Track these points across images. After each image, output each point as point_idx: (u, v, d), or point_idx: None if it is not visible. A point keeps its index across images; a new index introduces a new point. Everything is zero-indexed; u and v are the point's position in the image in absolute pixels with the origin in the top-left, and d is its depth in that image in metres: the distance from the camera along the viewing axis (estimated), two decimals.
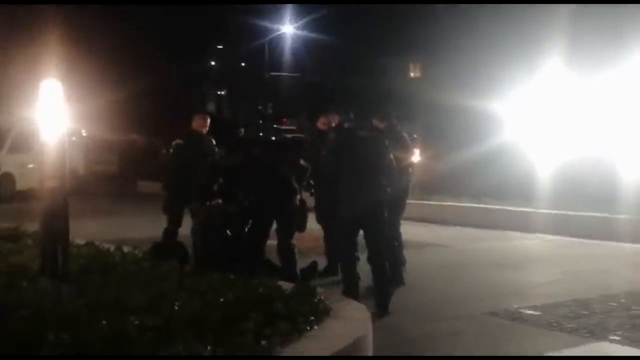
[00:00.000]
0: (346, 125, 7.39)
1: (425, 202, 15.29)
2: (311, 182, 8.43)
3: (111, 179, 24.85)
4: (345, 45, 35.99)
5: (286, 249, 7.48)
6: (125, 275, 6.05)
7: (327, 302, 5.47)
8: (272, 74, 43.72)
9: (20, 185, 18.08)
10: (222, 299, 5.16)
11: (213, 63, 44.47)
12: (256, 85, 42.02)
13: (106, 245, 7.85)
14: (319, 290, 5.94)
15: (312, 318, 5.00)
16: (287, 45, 41.75)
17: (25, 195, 17.45)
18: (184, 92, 35.41)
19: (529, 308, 7.05)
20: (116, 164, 26.51)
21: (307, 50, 40.60)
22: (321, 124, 8.71)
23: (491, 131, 17.11)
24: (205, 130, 8.32)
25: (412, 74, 38.13)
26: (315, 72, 40.71)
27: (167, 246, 7.40)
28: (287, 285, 6.04)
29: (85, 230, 8.45)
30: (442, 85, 22.01)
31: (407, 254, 8.79)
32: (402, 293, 7.67)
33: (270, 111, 42.37)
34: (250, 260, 7.18)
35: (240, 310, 4.93)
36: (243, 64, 44.69)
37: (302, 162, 7.76)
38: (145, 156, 27.61)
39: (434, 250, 11.03)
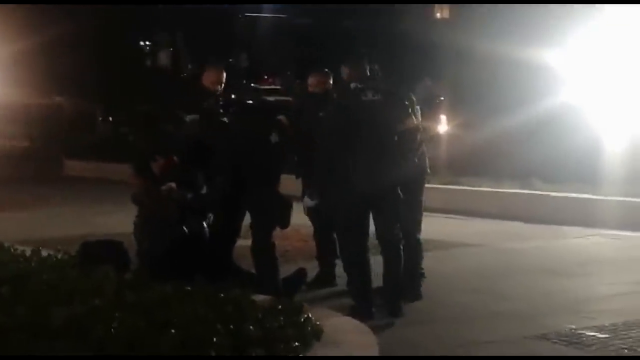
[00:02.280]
0: (352, 85, 7.53)
1: (453, 186, 15.32)
2: (297, 159, 8.46)
3: (27, 158, 24.87)
4: None
5: (263, 250, 7.45)
6: (44, 287, 6.06)
7: (318, 322, 5.50)
8: (248, 14, 43.64)
9: None
10: (174, 319, 5.16)
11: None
12: (225, 30, 41.91)
13: (21, 248, 7.89)
14: (307, 306, 5.97)
15: (297, 344, 5.01)
16: None
17: None
18: (124, 41, 35.40)
19: (592, 329, 7.02)
20: (34, 138, 26.51)
21: None
22: (313, 84, 8.70)
23: (542, 91, 17.11)
24: (219, 89, 8.28)
25: (437, 15, 38.00)
26: (306, 13, 40.64)
27: (100, 247, 7.39)
28: (263, 300, 6.08)
29: None
30: (477, 30, 21.98)
31: (428, 257, 8.86)
32: (421, 307, 7.65)
33: (245, 65, 42.26)
34: (215, 266, 7.18)
35: (199, 333, 4.94)
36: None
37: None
38: (75, 128, 27.61)
39: (463, 251, 11.02)
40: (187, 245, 7.18)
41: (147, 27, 40.49)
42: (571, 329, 7.03)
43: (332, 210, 7.57)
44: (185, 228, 7.28)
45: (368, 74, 7.74)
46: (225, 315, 5.37)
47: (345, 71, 7.92)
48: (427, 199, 8.68)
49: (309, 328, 5.36)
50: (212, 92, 8.17)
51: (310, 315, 5.58)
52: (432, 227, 12.71)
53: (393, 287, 7.47)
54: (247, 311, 5.55)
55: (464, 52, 22.09)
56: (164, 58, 44.39)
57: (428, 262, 9.85)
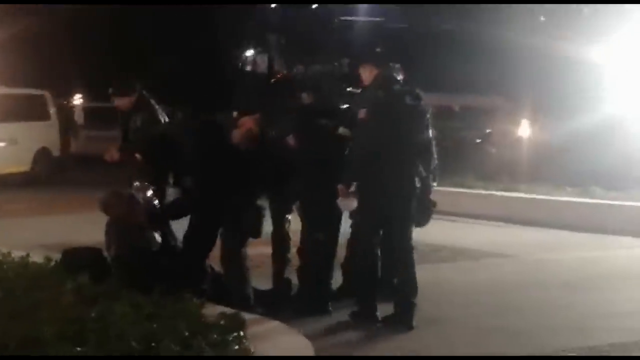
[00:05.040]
0: (395, 87, 7.48)
1: (509, 193, 14.94)
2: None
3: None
4: None
5: (232, 259, 7.28)
6: None
7: (254, 341, 5.31)
8: (343, 18, 43.53)
9: None
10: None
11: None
12: (322, 34, 41.95)
13: (19, 254, 7.88)
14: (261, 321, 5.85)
15: None
16: None
17: None
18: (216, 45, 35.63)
19: (584, 349, 6.81)
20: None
21: None
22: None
23: (608, 96, 16.56)
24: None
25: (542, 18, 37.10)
26: (402, 16, 40.29)
27: (80, 255, 7.33)
28: (214, 312, 5.95)
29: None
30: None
31: (451, 267, 8.84)
32: (429, 325, 7.43)
33: (345, 70, 42.14)
34: (188, 273, 7.08)
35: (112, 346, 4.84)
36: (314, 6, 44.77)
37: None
38: None
39: (489, 262, 10.72)
40: (156, 252, 7.08)
41: (241, 31, 40.77)
42: (563, 350, 6.81)
43: (360, 208, 7.48)
44: (156, 234, 7.19)
45: (397, 76, 7.71)
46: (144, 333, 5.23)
47: (370, 71, 7.74)
48: (482, 206, 8.48)
49: (234, 346, 5.19)
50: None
51: (241, 334, 5.40)
52: (473, 235, 12.58)
53: (407, 295, 7.36)
54: (178, 325, 5.41)
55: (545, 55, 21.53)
56: (260, 62, 44.66)
57: (449, 272, 9.65)
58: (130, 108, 8.96)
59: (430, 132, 7.62)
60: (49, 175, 19.79)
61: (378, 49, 8.60)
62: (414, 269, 7.49)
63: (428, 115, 7.60)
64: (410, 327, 7.27)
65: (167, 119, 8.98)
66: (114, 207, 7.19)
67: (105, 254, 7.29)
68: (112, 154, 8.68)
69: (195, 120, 8.13)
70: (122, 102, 8.99)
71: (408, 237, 7.52)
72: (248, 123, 7.46)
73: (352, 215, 7.84)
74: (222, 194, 7.30)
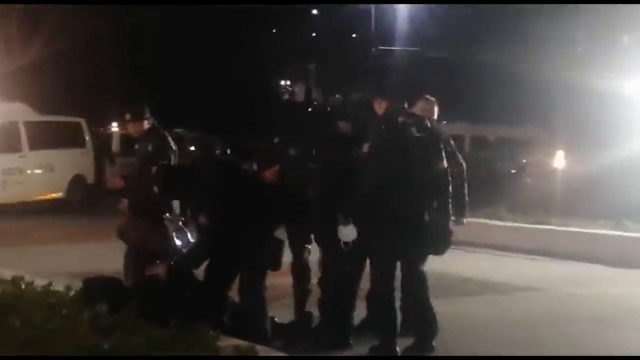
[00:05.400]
0: (400, 120, 7.39)
1: (540, 226, 14.77)
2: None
3: None
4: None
5: (251, 291, 7.25)
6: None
7: None
8: (382, 47, 43.55)
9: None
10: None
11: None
12: (360, 63, 41.99)
13: (41, 282, 7.87)
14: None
15: None
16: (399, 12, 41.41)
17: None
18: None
19: None
20: None
21: (429, 15, 40.19)
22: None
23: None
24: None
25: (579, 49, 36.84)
26: (440, 46, 40.22)
27: (100, 283, 7.31)
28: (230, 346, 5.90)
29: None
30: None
31: (481, 300, 8.91)
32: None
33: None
34: (208, 306, 7.04)
35: None
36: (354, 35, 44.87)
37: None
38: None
39: (517, 296, 10.57)
40: (174, 282, 7.05)
41: (279, 59, 40.92)
42: None
43: (373, 242, 7.34)
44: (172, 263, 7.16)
45: (405, 107, 7.61)
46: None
47: (380, 104, 7.70)
48: (512, 238, 8.35)
49: None
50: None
51: None
52: (502, 268, 12.43)
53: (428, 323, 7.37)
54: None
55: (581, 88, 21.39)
56: (298, 91, 44.79)
57: (476, 306, 9.51)
58: (143, 134, 9.03)
59: (445, 163, 7.44)
60: (83, 202, 19.92)
61: (386, 83, 8.54)
62: (428, 296, 7.46)
63: (441, 146, 7.48)
64: (431, 351, 7.29)
65: (176, 148, 9.06)
66: (129, 234, 7.18)
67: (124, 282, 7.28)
68: (116, 182, 8.79)
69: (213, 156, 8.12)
70: (138, 128, 9.08)
71: (421, 266, 7.47)
72: (268, 177, 7.49)
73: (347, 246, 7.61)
74: (239, 227, 7.26)
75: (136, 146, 9.30)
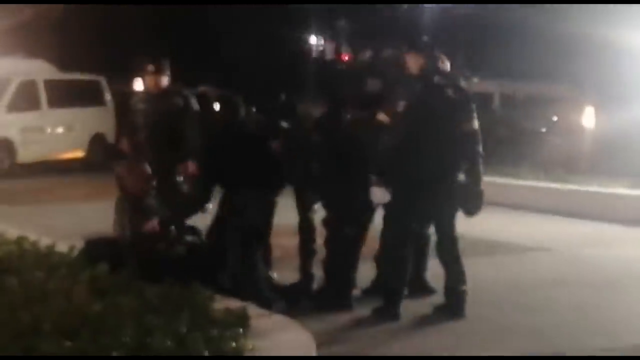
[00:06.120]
0: (435, 80, 7.42)
1: (561, 185, 14.69)
2: None
3: None
4: None
5: (246, 252, 7.34)
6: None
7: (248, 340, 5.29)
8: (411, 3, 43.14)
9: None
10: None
11: None
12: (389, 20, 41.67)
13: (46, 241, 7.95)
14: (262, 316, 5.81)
15: None
16: None
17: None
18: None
19: (597, 350, 6.66)
20: None
21: None
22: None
23: None
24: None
25: None
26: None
27: (101, 244, 7.35)
28: (222, 306, 5.96)
29: None
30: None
31: (489, 261, 9.11)
32: (450, 322, 7.40)
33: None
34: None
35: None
36: None
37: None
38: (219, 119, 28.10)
39: (524, 257, 10.53)
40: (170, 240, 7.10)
41: (308, 17, 40.74)
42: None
43: (394, 198, 7.36)
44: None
45: (441, 65, 7.66)
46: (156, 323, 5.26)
47: (416, 60, 7.62)
48: (530, 198, 8.23)
49: (233, 344, 5.17)
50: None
51: (241, 331, 5.38)
52: (514, 228, 12.36)
53: (457, 284, 7.51)
54: (178, 320, 5.41)
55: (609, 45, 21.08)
56: (327, 49, 44.52)
57: (483, 267, 9.48)
58: (161, 91, 8.74)
59: (475, 123, 7.49)
60: (104, 161, 20.01)
61: (425, 38, 8.38)
62: (460, 258, 7.58)
63: (473, 106, 7.51)
64: (462, 316, 7.43)
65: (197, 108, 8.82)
66: (125, 180, 7.18)
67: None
68: (123, 145, 8.67)
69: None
70: (159, 83, 8.70)
71: (452, 227, 7.57)
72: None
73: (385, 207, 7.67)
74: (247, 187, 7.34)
75: (139, 104, 8.95)
